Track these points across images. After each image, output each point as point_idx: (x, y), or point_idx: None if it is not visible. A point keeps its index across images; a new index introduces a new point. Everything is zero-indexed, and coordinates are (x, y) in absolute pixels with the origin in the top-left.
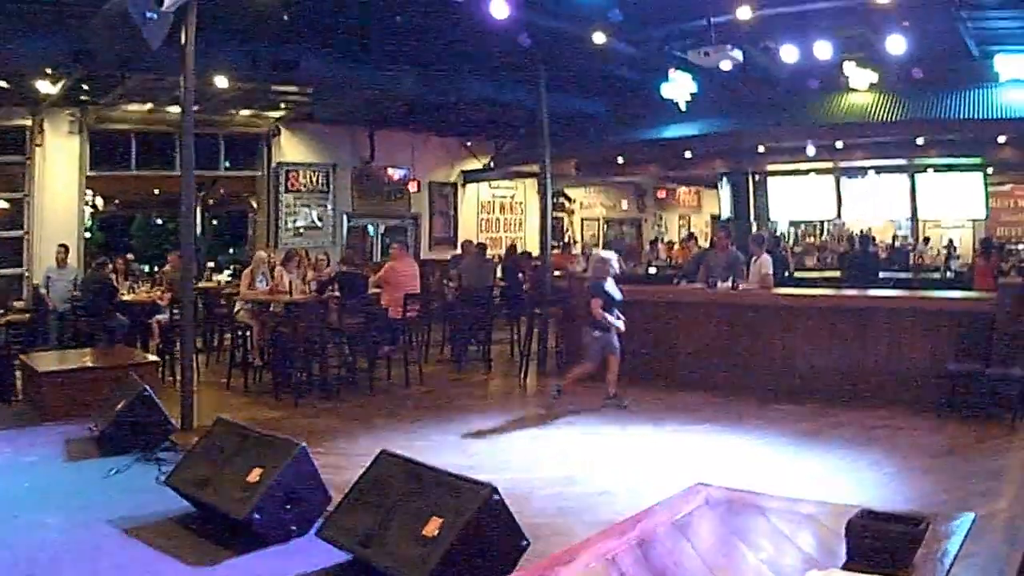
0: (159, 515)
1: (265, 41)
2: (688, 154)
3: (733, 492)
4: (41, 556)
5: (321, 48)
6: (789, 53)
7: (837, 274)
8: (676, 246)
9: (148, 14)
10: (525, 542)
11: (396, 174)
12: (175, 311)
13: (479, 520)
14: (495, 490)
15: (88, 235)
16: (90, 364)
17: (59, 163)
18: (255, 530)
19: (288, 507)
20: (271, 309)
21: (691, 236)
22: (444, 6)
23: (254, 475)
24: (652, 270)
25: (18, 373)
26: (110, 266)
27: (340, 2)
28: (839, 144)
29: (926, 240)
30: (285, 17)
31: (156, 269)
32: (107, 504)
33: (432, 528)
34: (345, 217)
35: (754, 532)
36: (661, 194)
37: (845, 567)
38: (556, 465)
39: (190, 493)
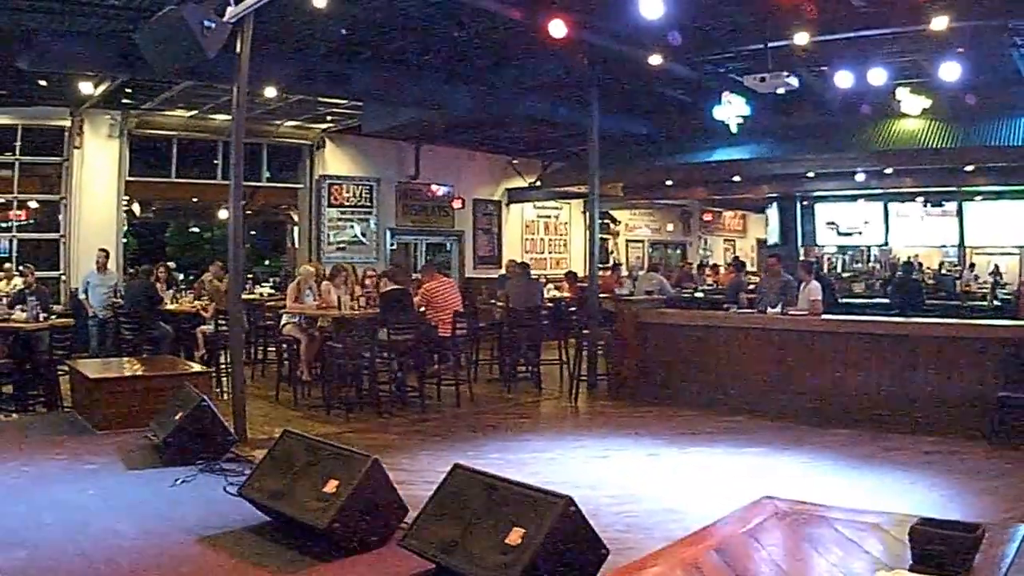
0: (234, 525)
1: (319, 53)
2: (737, 178)
3: (799, 504)
4: (120, 563)
5: (374, 62)
6: (843, 79)
7: (885, 301)
8: (722, 270)
9: (206, 23)
10: (605, 551)
11: (440, 191)
12: (220, 322)
13: (559, 529)
14: (571, 501)
15: (124, 240)
16: (142, 373)
17: (98, 166)
18: (336, 540)
19: (368, 518)
20: (319, 324)
21: (737, 260)
22: (503, 24)
23: (331, 486)
24: (699, 294)
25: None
26: (153, 274)
27: (396, 17)
28: (889, 170)
29: (972, 267)
30: (344, 31)
31: (191, 277)
32: (178, 513)
33: (515, 537)
34: (388, 233)
35: (822, 540)
36: (707, 217)
37: (911, 570)
38: (620, 484)
39: (266, 504)
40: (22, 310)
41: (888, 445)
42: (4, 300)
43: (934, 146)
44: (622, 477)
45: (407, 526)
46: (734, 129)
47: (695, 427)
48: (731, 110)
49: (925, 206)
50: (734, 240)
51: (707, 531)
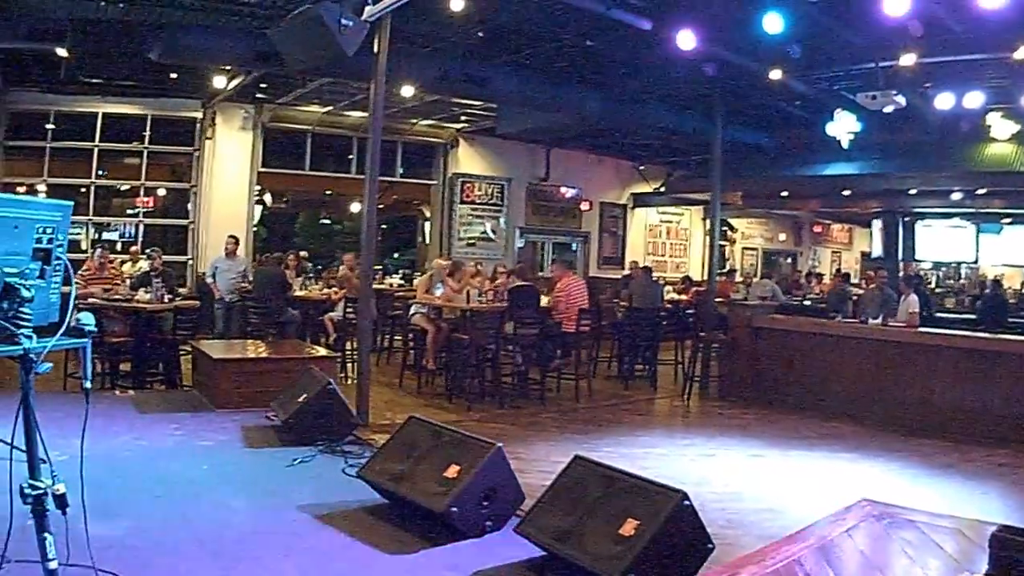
0: (350, 504)
1: (456, 56)
2: (847, 192)
3: (891, 507)
4: (226, 536)
5: (510, 66)
6: (944, 100)
7: (972, 316)
8: (827, 280)
9: (343, 22)
10: (711, 545)
11: (569, 192)
12: (349, 310)
13: (672, 522)
14: (686, 496)
15: (254, 229)
16: (267, 355)
17: (230, 157)
18: (452, 523)
19: (485, 503)
20: (444, 315)
21: (840, 272)
22: (634, 34)
23: (452, 471)
24: (807, 302)
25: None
26: (284, 262)
27: (531, 24)
28: (981, 191)
29: None
30: (480, 35)
31: (320, 267)
32: (294, 491)
33: (628, 528)
34: (517, 231)
35: (910, 542)
36: (817, 229)
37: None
38: (725, 481)
39: (384, 486)
40: (146, 291)
41: (966, 457)
42: (128, 282)
43: (1020, 170)
44: (726, 475)
45: (523, 513)
46: (845, 145)
47: (797, 430)
48: (843, 126)
49: (1011, 226)
50: (840, 252)
51: (809, 530)
